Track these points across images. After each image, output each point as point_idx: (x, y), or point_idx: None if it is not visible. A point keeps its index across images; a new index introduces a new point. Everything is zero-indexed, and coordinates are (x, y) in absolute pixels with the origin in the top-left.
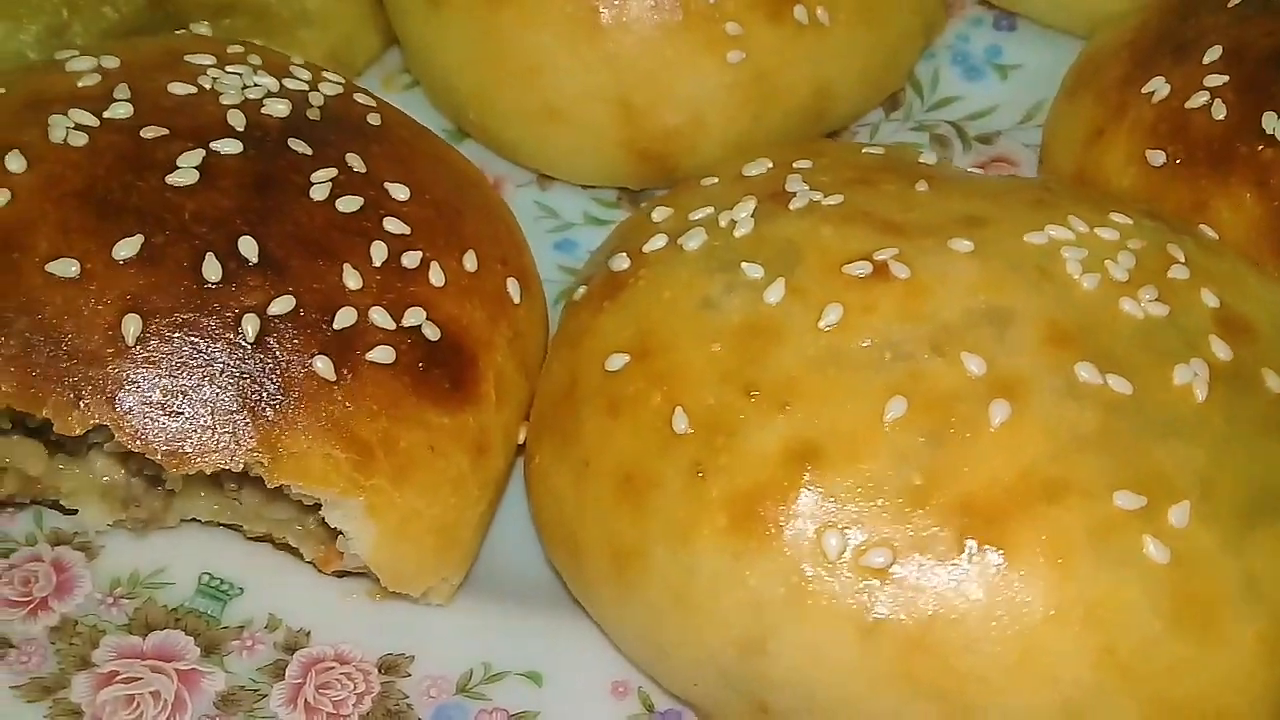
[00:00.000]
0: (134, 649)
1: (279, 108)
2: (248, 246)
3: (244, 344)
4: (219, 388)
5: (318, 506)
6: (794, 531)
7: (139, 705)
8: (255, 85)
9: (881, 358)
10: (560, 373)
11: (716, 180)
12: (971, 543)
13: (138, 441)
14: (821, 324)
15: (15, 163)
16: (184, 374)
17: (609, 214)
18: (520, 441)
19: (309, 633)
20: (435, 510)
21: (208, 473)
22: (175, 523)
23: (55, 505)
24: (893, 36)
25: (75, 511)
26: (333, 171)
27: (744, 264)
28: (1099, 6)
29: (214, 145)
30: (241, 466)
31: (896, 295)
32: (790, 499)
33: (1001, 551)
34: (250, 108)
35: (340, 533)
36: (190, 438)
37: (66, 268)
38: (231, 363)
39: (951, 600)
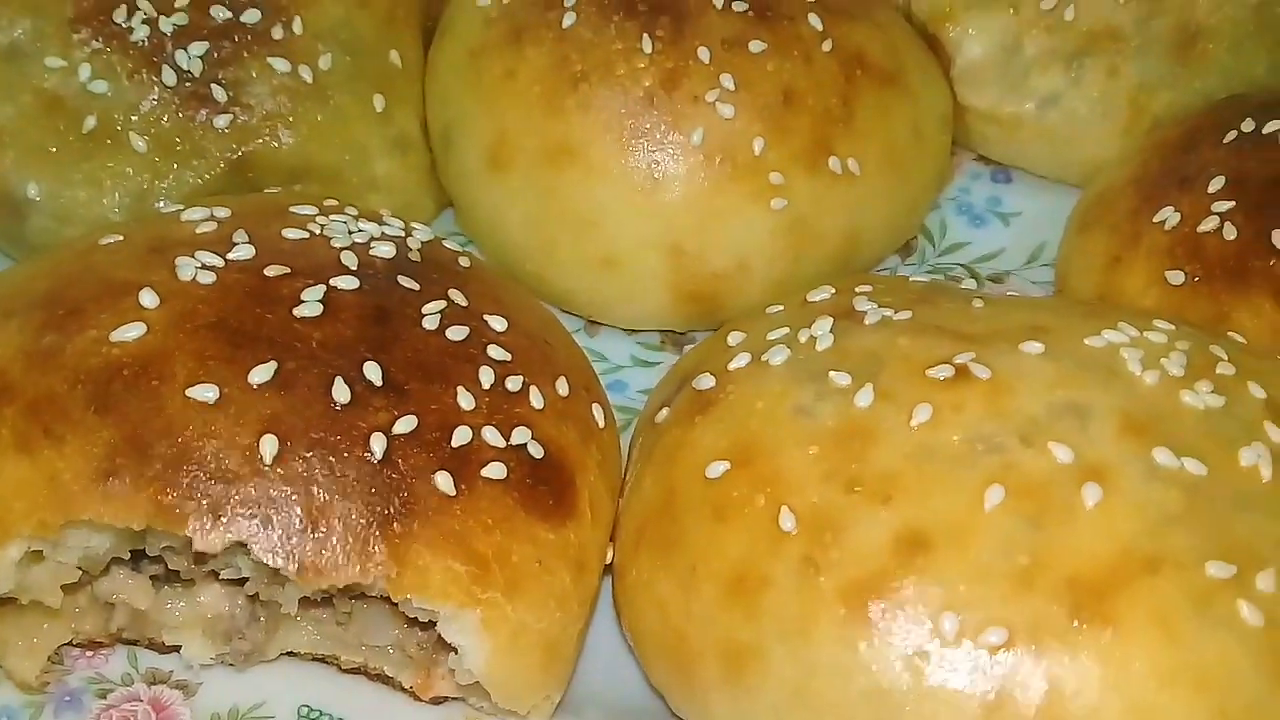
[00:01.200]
0: None
1: (385, 249)
2: (372, 371)
3: (373, 462)
4: (351, 504)
5: (423, 627)
6: (911, 617)
7: None
8: (360, 230)
9: (974, 450)
10: (654, 488)
11: (783, 308)
12: (1082, 617)
13: (274, 557)
14: (913, 423)
15: (149, 299)
16: (319, 492)
17: (655, 356)
18: (608, 561)
19: None
20: (543, 625)
21: (335, 588)
22: (275, 655)
23: (151, 645)
24: (913, 186)
25: (173, 650)
26: (441, 304)
27: (831, 373)
28: (1090, 157)
29: (333, 281)
30: (371, 580)
31: (981, 394)
32: (905, 586)
33: (1111, 624)
34: (359, 249)
35: (439, 658)
36: (324, 553)
37: (205, 393)
38: (362, 480)
39: (1069, 674)
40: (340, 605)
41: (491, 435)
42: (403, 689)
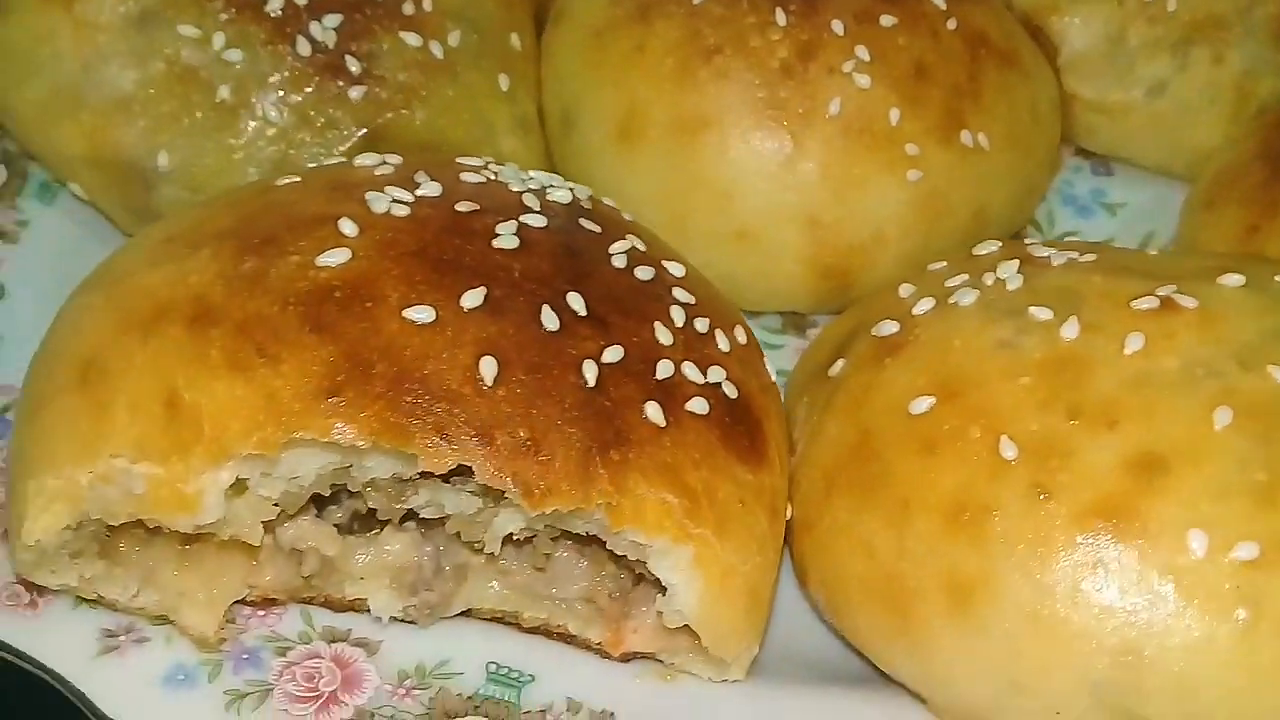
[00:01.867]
0: None
1: (560, 195)
2: (575, 301)
3: (587, 389)
4: (570, 429)
5: (616, 576)
6: (1157, 535)
7: None
8: (530, 178)
9: (1194, 375)
10: (843, 432)
11: (946, 264)
12: None
13: (501, 480)
14: (1126, 351)
15: (348, 227)
16: (539, 415)
17: (777, 339)
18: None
19: (613, 713)
20: (747, 568)
21: (563, 510)
22: (458, 611)
23: (328, 603)
24: (1032, 166)
25: (349, 609)
26: (625, 244)
27: (1030, 308)
28: (1197, 144)
29: (522, 219)
30: (593, 506)
31: (1190, 322)
32: (1148, 505)
33: None
34: (537, 194)
35: (630, 611)
36: (548, 477)
37: (421, 314)
38: (578, 406)
39: None
40: (541, 546)
41: (691, 371)
42: (588, 647)
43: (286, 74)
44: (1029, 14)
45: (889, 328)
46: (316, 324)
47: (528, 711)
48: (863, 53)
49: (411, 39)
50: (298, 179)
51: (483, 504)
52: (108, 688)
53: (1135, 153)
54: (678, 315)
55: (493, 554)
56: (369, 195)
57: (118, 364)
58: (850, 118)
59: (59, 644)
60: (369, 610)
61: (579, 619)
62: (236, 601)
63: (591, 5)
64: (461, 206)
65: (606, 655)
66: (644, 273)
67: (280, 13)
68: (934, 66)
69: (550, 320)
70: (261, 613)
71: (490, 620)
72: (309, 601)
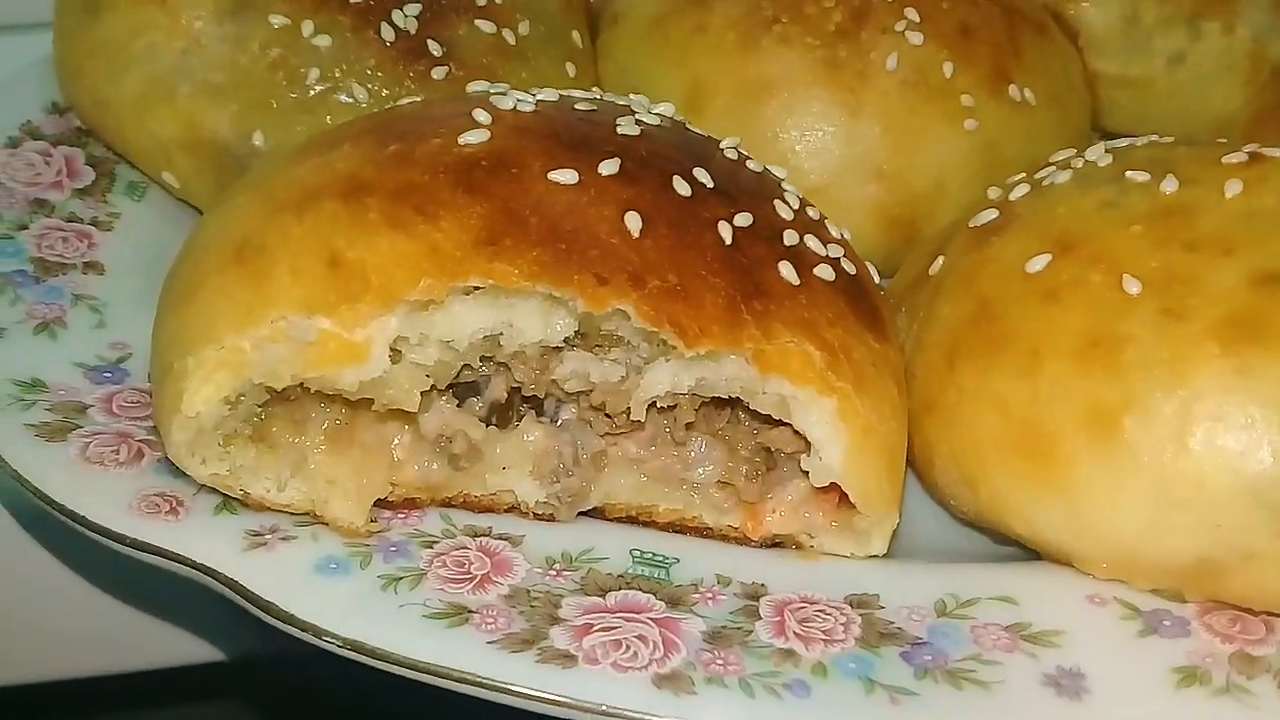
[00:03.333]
0: (600, 605)
1: (665, 108)
2: (701, 175)
3: (725, 244)
4: (715, 278)
5: (756, 450)
6: None
7: (629, 647)
8: (633, 101)
9: None
10: (960, 307)
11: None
12: None
13: (658, 318)
14: (1227, 195)
15: (482, 116)
16: (686, 265)
17: None
18: None
19: (764, 584)
20: (884, 429)
21: (716, 351)
22: (596, 502)
23: (466, 505)
24: (1072, 128)
25: (488, 510)
26: (732, 143)
27: (1126, 173)
28: (1217, 111)
29: (637, 117)
30: (743, 348)
31: None
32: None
33: None
34: (642, 109)
35: (769, 492)
36: (700, 320)
37: (565, 176)
38: (720, 259)
39: None
40: (682, 416)
41: (813, 243)
42: (725, 538)
43: (372, 58)
44: (1048, 4)
45: (987, 216)
46: (468, 186)
47: (679, 585)
48: (912, 14)
49: (486, 26)
50: (419, 98)
51: (626, 372)
52: (259, 577)
53: (1158, 124)
54: (791, 200)
55: (637, 424)
56: (493, 99)
57: (274, 239)
58: (906, 72)
59: (204, 546)
60: (507, 510)
61: (715, 508)
62: (378, 503)
63: (647, 1)
64: (580, 106)
65: (745, 541)
66: (754, 165)
67: (364, 2)
68: (977, 27)
69: (682, 188)
70: (403, 515)
71: (626, 521)
72: (448, 504)
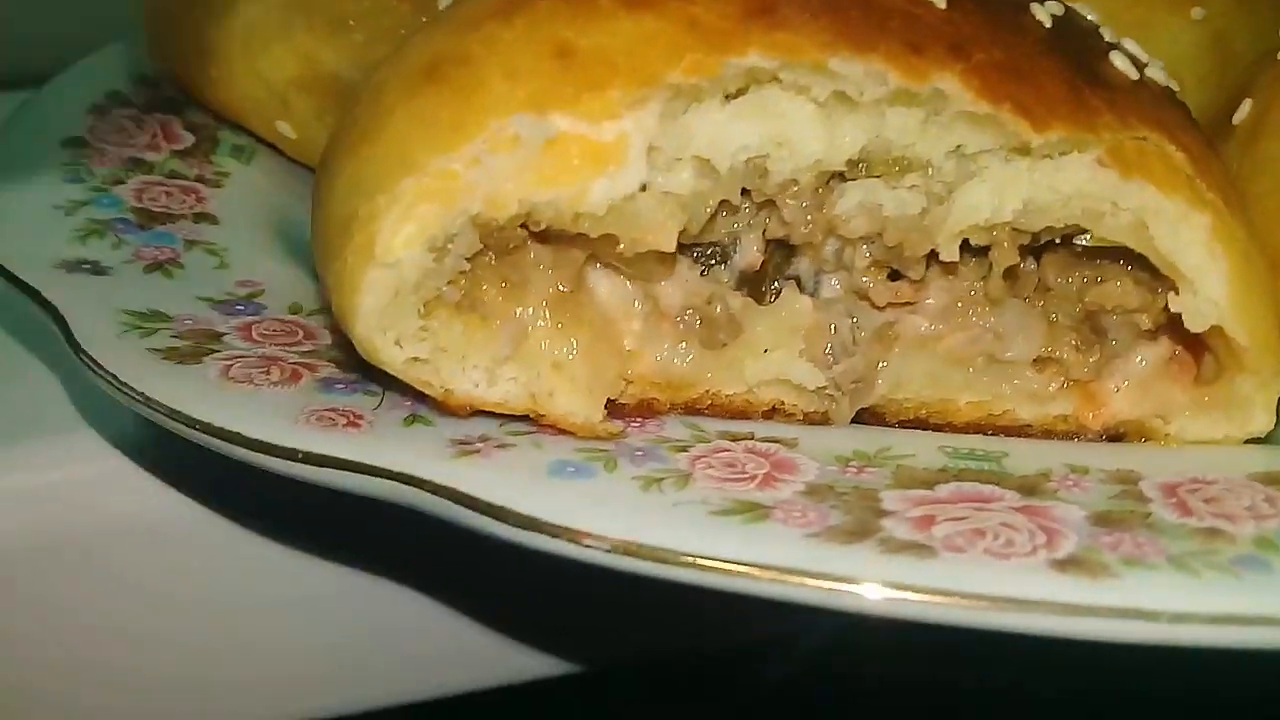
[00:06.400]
0: (931, 498)
1: None
2: None
3: (1046, 28)
4: (1045, 59)
5: (1084, 321)
6: None
7: (998, 535)
8: None
9: None
10: None
11: None
12: None
13: (995, 96)
14: None
15: None
16: (1010, 42)
17: None
18: None
19: (1134, 471)
20: (1259, 263)
21: (1068, 140)
22: (883, 392)
23: (714, 408)
24: None
25: (741, 415)
26: None
27: None
28: None
29: None
30: (1100, 136)
31: None
32: None
33: None
34: None
35: (1105, 365)
36: (1044, 100)
37: None
38: (1044, 40)
39: None
40: (1000, 259)
41: (1131, 46)
42: (1050, 435)
43: None
44: None
45: None
46: None
47: (1024, 475)
48: None
49: None
50: None
51: (927, 203)
52: (481, 483)
53: None
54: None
55: (922, 290)
56: None
57: (479, 49)
58: None
59: (401, 456)
60: (766, 415)
61: (1035, 397)
62: (609, 407)
63: None
64: None
65: (1077, 435)
66: None
67: None
68: None
69: None
70: (638, 422)
71: (913, 425)
72: (692, 408)
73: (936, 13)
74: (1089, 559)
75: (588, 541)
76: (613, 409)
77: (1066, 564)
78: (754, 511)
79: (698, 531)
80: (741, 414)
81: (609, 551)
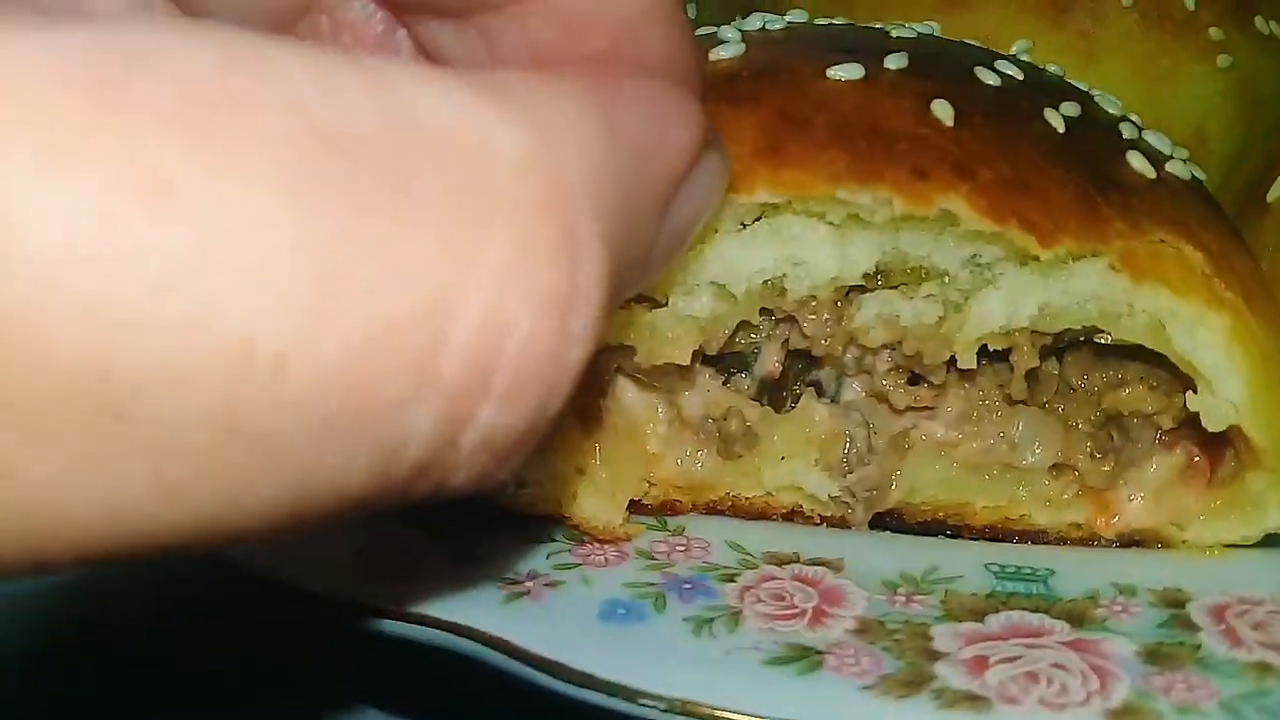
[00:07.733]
0: (982, 633)
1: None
2: (1006, 67)
3: (1058, 134)
4: (1054, 169)
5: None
6: None
7: (1051, 680)
8: None
9: None
10: None
11: None
12: None
13: (1000, 214)
14: None
15: (730, 34)
16: (1019, 155)
17: None
18: None
19: (1183, 590)
20: (1276, 366)
21: (1076, 252)
22: (899, 498)
23: (735, 510)
24: None
25: (764, 516)
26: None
27: None
28: None
29: (901, 30)
30: (1111, 245)
31: None
32: None
33: None
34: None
35: (1120, 473)
36: (1052, 213)
37: (849, 71)
38: (1055, 148)
39: None
40: (1020, 361)
41: (1153, 139)
42: (1063, 541)
43: None
44: None
45: None
46: (731, 98)
47: (1070, 599)
48: None
49: None
50: None
51: (944, 311)
52: (532, 633)
53: None
54: (1105, 102)
55: (940, 395)
56: (736, 24)
57: None
58: (1146, 7)
59: (452, 604)
60: (785, 516)
61: (1050, 503)
62: (632, 507)
63: None
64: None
65: (1090, 542)
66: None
67: None
68: None
69: (988, 77)
70: (683, 545)
71: (930, 524)
72: (713, 508)
73: (944, 131)
74: (1142, 707)
75: (644, 701)
76: (635, 506)
77: (1121, 715)
78: (807, 659)
79: (752, 683)
80: (762, 515)
81: (665, 710)
